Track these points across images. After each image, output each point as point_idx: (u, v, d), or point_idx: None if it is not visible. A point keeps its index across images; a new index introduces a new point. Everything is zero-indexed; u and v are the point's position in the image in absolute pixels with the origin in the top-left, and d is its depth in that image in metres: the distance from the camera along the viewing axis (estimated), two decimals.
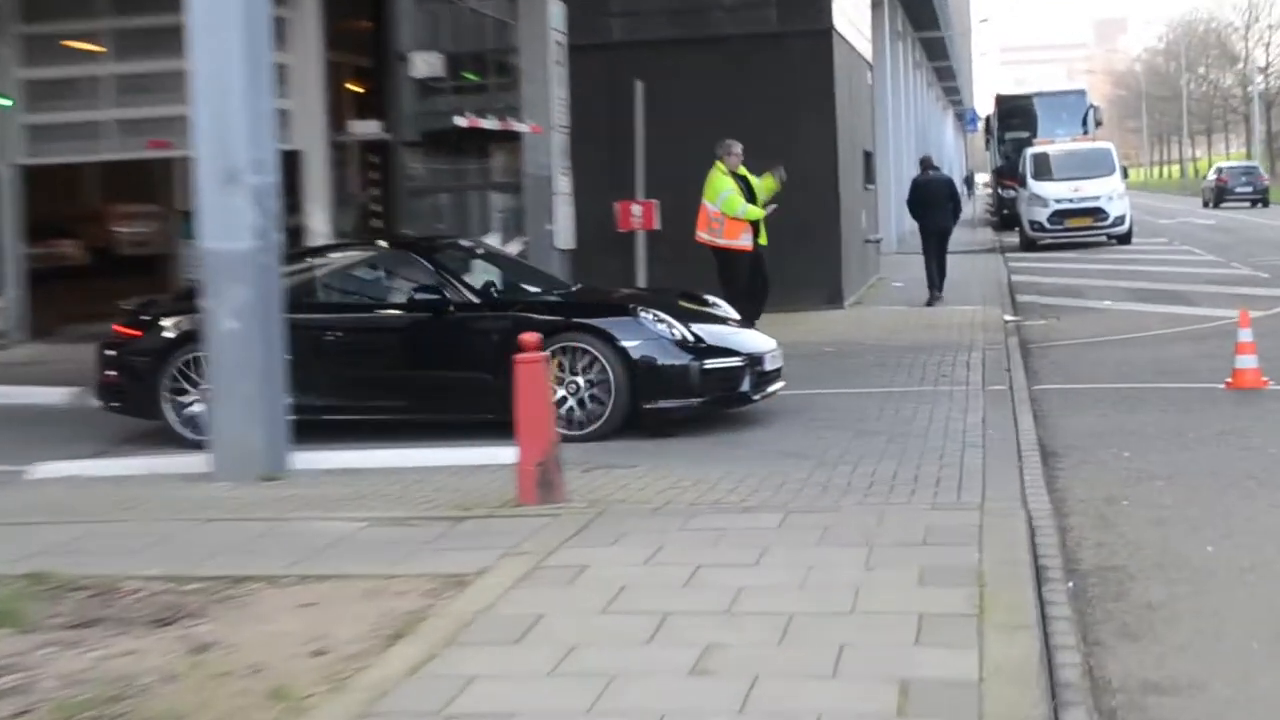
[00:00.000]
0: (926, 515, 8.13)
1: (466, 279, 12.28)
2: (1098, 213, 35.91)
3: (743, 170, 16.26)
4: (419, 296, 11.91)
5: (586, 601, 6.55)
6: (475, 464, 10.22)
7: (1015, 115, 46.47)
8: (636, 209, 18.34)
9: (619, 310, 11.77)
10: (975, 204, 54.86)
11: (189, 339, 11.81)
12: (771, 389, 12.00)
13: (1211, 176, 65.46)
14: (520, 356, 8.77)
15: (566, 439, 10.47)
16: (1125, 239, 36.65)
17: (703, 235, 15.98)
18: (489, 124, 17.61)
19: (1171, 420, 11.50)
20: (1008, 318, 19.58)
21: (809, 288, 20.77)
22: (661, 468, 9.89)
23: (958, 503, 8.52)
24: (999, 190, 47.37)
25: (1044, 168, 37.32)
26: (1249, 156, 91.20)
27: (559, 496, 8.72)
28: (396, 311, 12.19)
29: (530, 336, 8.88)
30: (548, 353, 10.41)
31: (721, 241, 15.80)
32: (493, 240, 16.97)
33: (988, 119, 51.48)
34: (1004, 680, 5.26)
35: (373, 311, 12.52)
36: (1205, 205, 62.77)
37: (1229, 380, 12.85)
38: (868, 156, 26.82)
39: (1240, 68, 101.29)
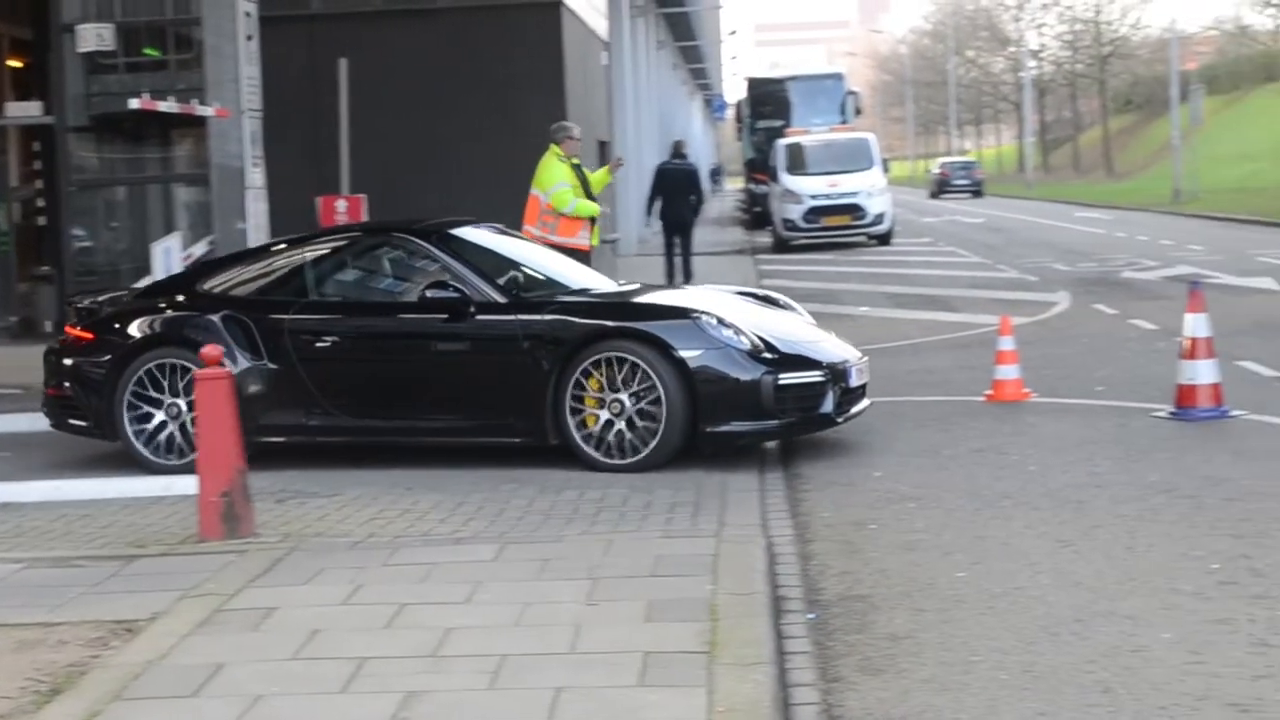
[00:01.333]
0: (658, 544, 8.34)
1: (488, 271, 11.52)
2: (856, 210, 36.61)
3: (575, 160, 16.20)
4: (432, 295, 11.11)
5: (275, 647, 6.57)
6: (152, 496, 10.14)
7: (767, 101, 46.92)
8: (341, 205, 18.30)
9: (674, 314, 11.00)
10: (723, 200, 55.57)
11: (156, 342, 11.36)
12: (856, 409, 11.45)
13: (935, 170, 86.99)
14: (199, 373, 8.73)
15: (610, 468, 10.53)
16: (886, 239, 37.62)
17: (532, 230, 15.39)
18: (168, 107, 17.32)
19: (927, 436, 11.93)
20: None
21: None
22: (365, 496, 9.96)
23: (692, 529, 8.76)
24: (750, 185, 48.02)
25: (798, 160, 37.87)
26: (1020, 148, 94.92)
27: (247, 530, 8.70)
28: (405, 315, 11.55)
29: (212, 350, 8.80)
30: (588, 363, 10.57)
31: (555, 239, 15.26)
32: (174, 240, 16.70)
33: (738, 105, 51.95)
34: None
35: (376, 314, 11.78)
36: (931, 196, 78.11)
37: (989, 392, 13.39)
38: (603, 146, 27.13)
39: (1012, 51, 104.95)
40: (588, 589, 7.37)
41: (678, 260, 25.60)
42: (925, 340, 18.59)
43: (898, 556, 8.32)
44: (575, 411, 10.65)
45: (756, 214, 44.81)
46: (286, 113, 19.62)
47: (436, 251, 11.50)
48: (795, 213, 36.78)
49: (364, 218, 18.26)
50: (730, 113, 56.33)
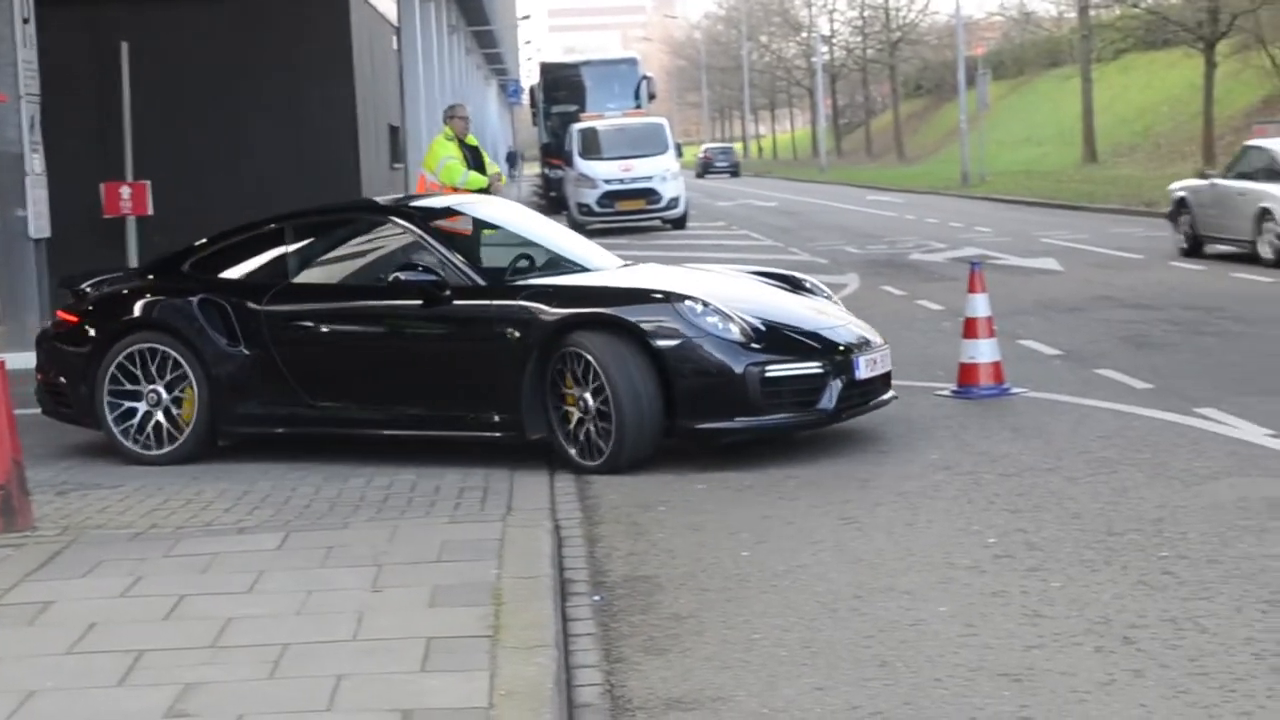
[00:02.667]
0: (444, 530, 8.35)
1: (470, 252, 11.06)
2: (650, 194, 36.99)
3: (472, 140, 16.64)
4: (405, 278, 10.33)
5: (50, 641, 6.45)
6: None
7: (562, 86, 47.23)
8: (125, 191, 17.98)
9: (653, 298, 10.13)
10: (520, 185, 55.55)
11: (132, 327, 10.85)
12: (873, 402, 10.66)
13: (701, 154, 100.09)
14: None
15: (582, 469, 9.94)
16: (680, 223, 37.94)
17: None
18: None
19: None
20: None
21: None
22: (149, 486, 9.85)
23: (480, 515, 8.78)
24: (546, 170, 48.15)
25: (592, 145, 38.16)
26: (813, 133, 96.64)
27: (24, 524, 8.53)
28: (378, 300, 10.76)
29: None
30: (561, 354, 9.89)
31: None
32: None
33: (532, 90, 52.02)
34: (516, 705, 5.46)
35: (351, 298, 11.00)
36: (697, 176, 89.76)
37: None
38: (394, 131, 27.00)
39: (804, 37, 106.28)
40: (372, 576, 7.34)
41: None
42: None
43: (684, 537, 8.39)
44: (557, 407, 10.04)
45: (552, 199, 44.95)
46: (71, 98, 19.26)
47: (416, 230, 10.83)
48: (590, 197, 36.97)
49: (149, 206, 17.96)
50: (525, 98, 56.22)
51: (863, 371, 10.29)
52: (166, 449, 10.61)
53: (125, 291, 11.28)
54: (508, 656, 6.00)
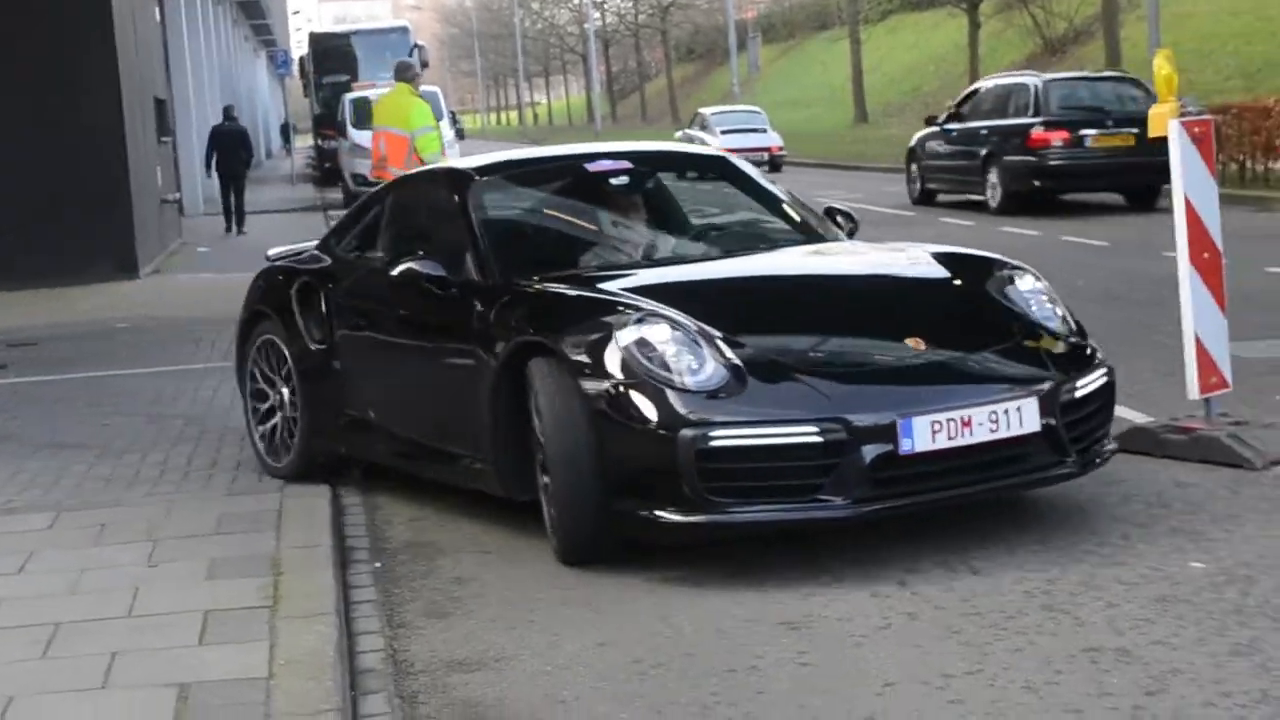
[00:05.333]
0: (222, 503, 8.35)
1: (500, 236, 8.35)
2: (424, 163, 36.90)
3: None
4: (413, 267, 8.01)
5: None
6: None
7: (332, 57, 46.50)
8: None
9: (603, 317, 7.07)
10: (295, 158, 55.00)
11: (259, 317, 9.43)
12: (930, 494, 6.79)
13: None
14: None
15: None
16: None
17: (394, 171, 14.93)
18: None
19: None
20: None
21: (96, 256, 20.30)
22: None
23: (258, 487, 8.75)
24: (319, 141, 47.70)
25: (365, 115, 37.79)
26: (588, 99, 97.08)
27: None
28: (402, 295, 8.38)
29: None
30: None
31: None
32: None
33: (302, 61, 51.51)
34: (296, 673, 5.48)
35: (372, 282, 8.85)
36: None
37: None
38: (161, 105, 26.63)
39: (576, 3, 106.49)
40: (148, 551, 7.31)
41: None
42: None
43: (465, 503, 8.40)
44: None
45: (327, 170, 44.19)
46: None
47: (457, 202, 8.47)
48: (365, 167, 36.39)
49: None
50: (296, 69, 55.65)
51: (920, 440, 6.59)
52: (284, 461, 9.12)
53: (275, 270, 9.78)
54: (287, 626, 6.01)
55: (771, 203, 9.10)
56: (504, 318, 7.48)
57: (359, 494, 8.64)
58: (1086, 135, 22.92)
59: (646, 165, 9.21)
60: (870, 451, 6.51)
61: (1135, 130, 21.56)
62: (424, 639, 6.23)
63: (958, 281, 7.79)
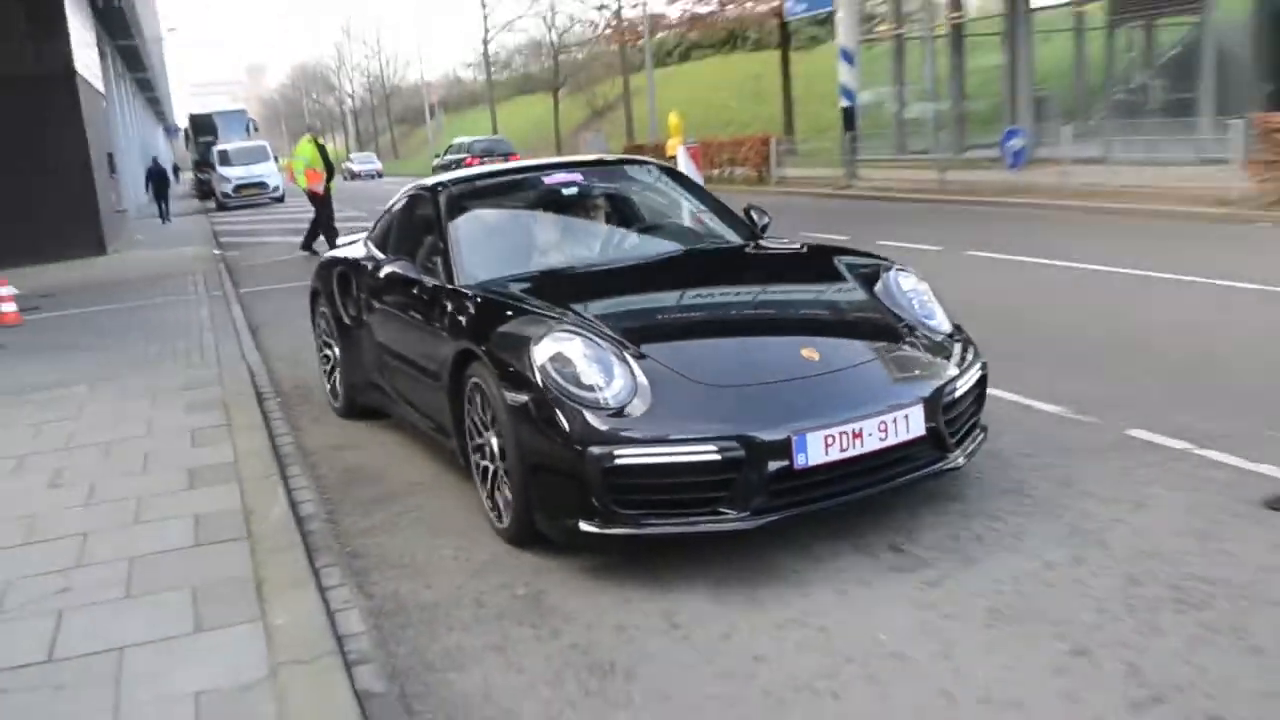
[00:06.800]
0: (186, 372, 12.49)
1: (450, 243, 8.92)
2: (262, 185, 56.51)
3: (320, 142, 26.88)
4: (395, 270, 8.89)
5: None
6: None
7: (204, 128, 68.24)
8: None
9: (532, 328, 7.25)
10: (184, 186, 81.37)
11: (319, 293, 11.18)
12: (838, 496, 6.84)
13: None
14: None
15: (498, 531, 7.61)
16: (280, 200, 56.24)
17: (316, 188, 26.27)
18: None
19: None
20: (215, 251, 29.23)
21: (80, 242, 29.88)
22: None
23: (203, 362, 12.92)
24: (199, 174, 67.69)
25: (226, 158, 58.26)
26: (347, 151, 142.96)
27: None
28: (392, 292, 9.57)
29: None
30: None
31: (308, 186, 26.18)
32: None
33: (186, 130, 76.08)
34: (250, 456, 9.16)
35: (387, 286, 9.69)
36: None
37: None
38: (110, 156, 37.49)
39: (337, 93, 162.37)
40: (151, 400, 11.26)
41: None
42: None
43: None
44: (479, 448, 7.80)
45: (205, 190, 63.07)
46: None
47: (431, 211, 9.33)
48: (228, 187, 56.20)
49: None
50: (182, 134, 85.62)
51: (814, 454, 6.65)
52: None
53: (332, 259, 11.39)
54: (239, 436, 9.87)
55: (699, 206, 9.83)
56: (455, 321, 7.89)
57: (261, 364, 12.96)
58: None
59: (594, 177, 9.78)
60: (766, 467, 6.53)
61: None
62: (316, 430, 10.30)
63: (850, 284, 8.08)
